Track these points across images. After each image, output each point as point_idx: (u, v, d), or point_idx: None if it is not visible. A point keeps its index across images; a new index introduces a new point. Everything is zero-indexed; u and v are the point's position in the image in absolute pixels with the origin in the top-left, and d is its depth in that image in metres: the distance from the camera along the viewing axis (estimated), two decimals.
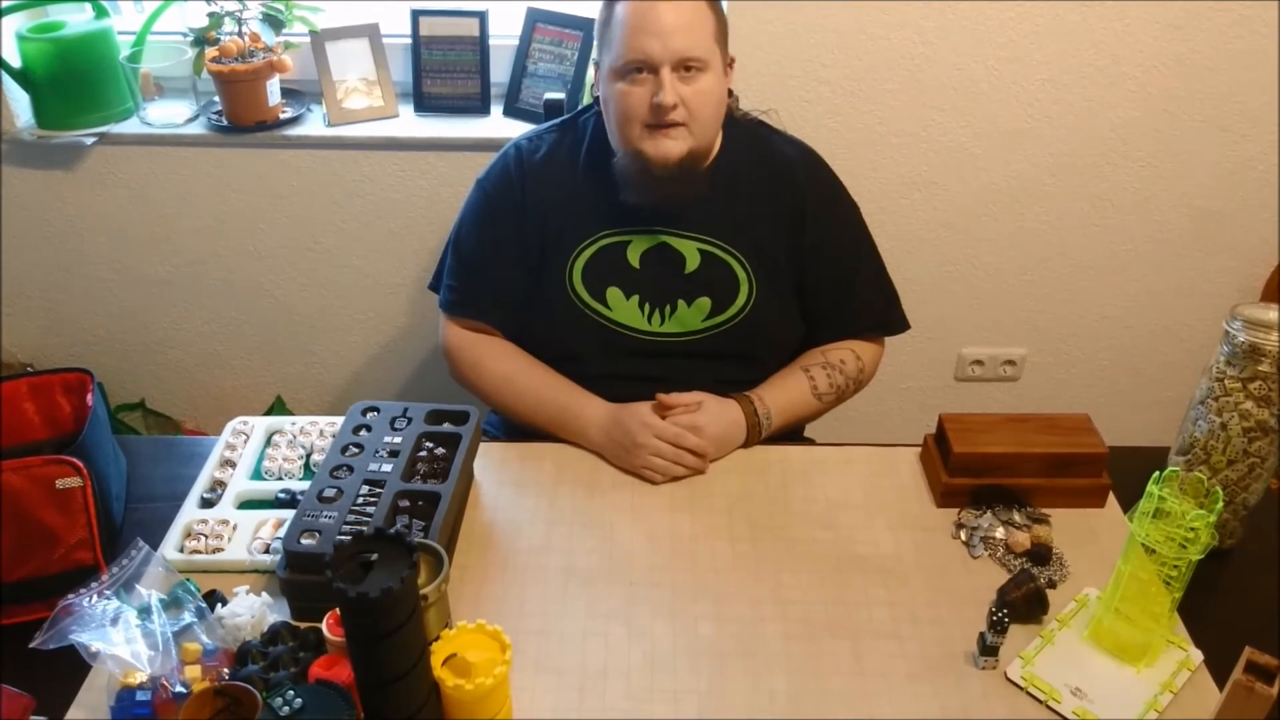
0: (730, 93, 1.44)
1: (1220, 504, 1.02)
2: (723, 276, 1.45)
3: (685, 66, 1.31)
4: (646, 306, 1.44)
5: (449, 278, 1.51)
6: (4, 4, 1.91)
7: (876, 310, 1.54)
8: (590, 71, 1.44)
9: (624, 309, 1.44)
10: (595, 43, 1.38)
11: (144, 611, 1.05)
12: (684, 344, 1.46)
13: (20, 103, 1.97)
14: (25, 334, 2.22)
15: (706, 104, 1.34)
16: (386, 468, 1.21)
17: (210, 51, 1.92)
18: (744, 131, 1.42)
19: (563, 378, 1.44)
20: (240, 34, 1.93)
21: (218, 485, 1.30)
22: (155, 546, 1.17)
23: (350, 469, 1.21)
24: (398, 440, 1.26)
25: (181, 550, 1.20)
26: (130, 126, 1.99)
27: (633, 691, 1.06)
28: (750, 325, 1.45)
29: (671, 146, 1.34)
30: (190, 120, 1.99)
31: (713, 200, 1.42)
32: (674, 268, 1.44)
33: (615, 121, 1.36)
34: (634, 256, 1.44)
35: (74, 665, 1.01)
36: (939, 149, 2.01)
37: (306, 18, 1.98)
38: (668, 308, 1.45)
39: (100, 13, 1.96)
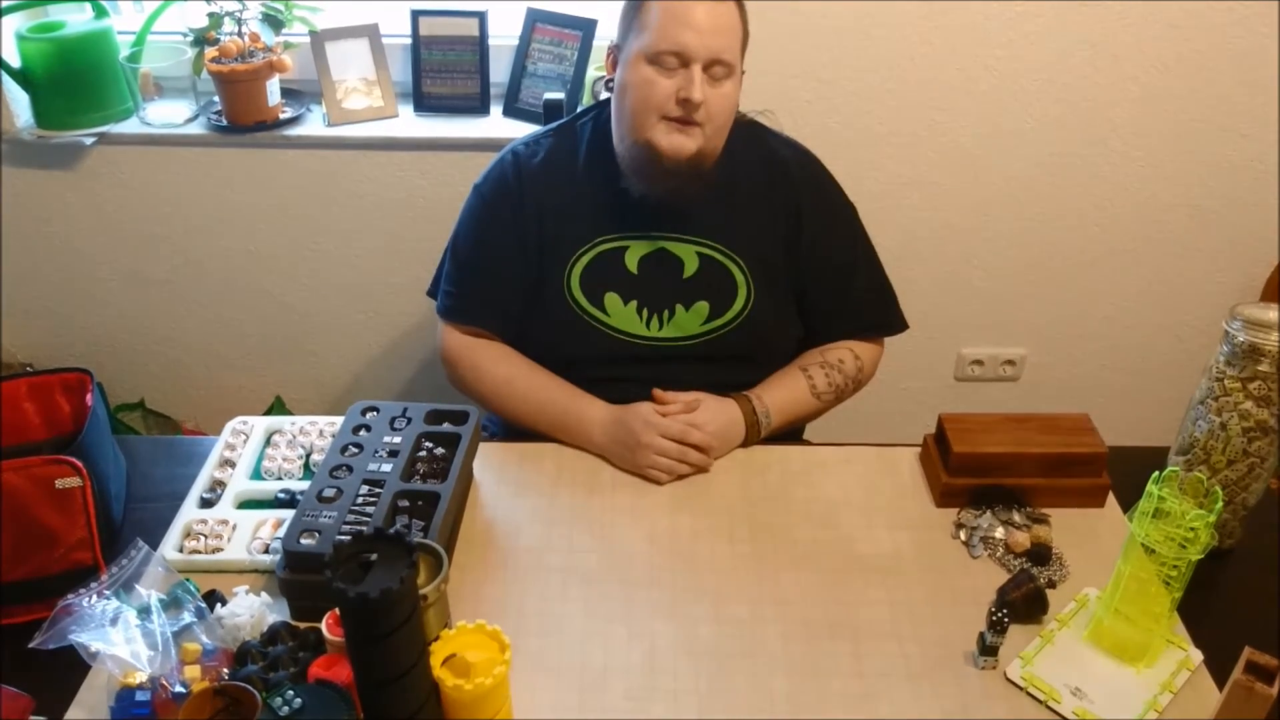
0: None
1: (1220, 504, 1.02)
2: (721, 280, 1.44)
3: (714, 69, 1.30)
4: (644, 312, 1.44)
5: (447, 284, 1.50)
6: (4, 4, 1.92)
7: (874, 310, 1.54)
8: (604, 59, 1.41)
9: (622, 314, 1.44)
10: (620, 26, 1.36)
11: (143, 611, 1.05)
12: (682, 348, 1.45)
13: (20, 103, 1.97)
14: (25, 334, 2.22)
15: (725, 109, 1.34)
16: (386, 468, 1.21)
17: (210, 51, 1.92)
18: (740, 133, 1.42)
19: (562, 381, 1.43)
20: (240, 34, 1.93)
21: (217, 485, 1.30)
22: (155, 546, 1.17)
23: (350, 469, 1.21)
24: (397, 440, 1.26)
25: (181, 550, 1.20)
26: (130, 126, 1.99)
27: (633, 691, 1.06)
28: (748, 328, 1.45)
29: (685, 143, 1.33)
30: (190, 120, 1.99)
31: (711, 203, 1.42)
32: (672, 272, 1.44)
33: (631, 107, 1.34)
34: (632, 262, 1.44)
35: (74, 665, 1.00)
36: (939, 149, 2.01)
37: (306, 18, 1.98)
38: (666, 313, 1.44)
39: (100, 13, 1.96)
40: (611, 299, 1.43)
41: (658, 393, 1.39)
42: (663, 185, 1.36)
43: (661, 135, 1.33)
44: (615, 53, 1.39)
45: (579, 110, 1.51)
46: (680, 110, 1.31)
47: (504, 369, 1.46)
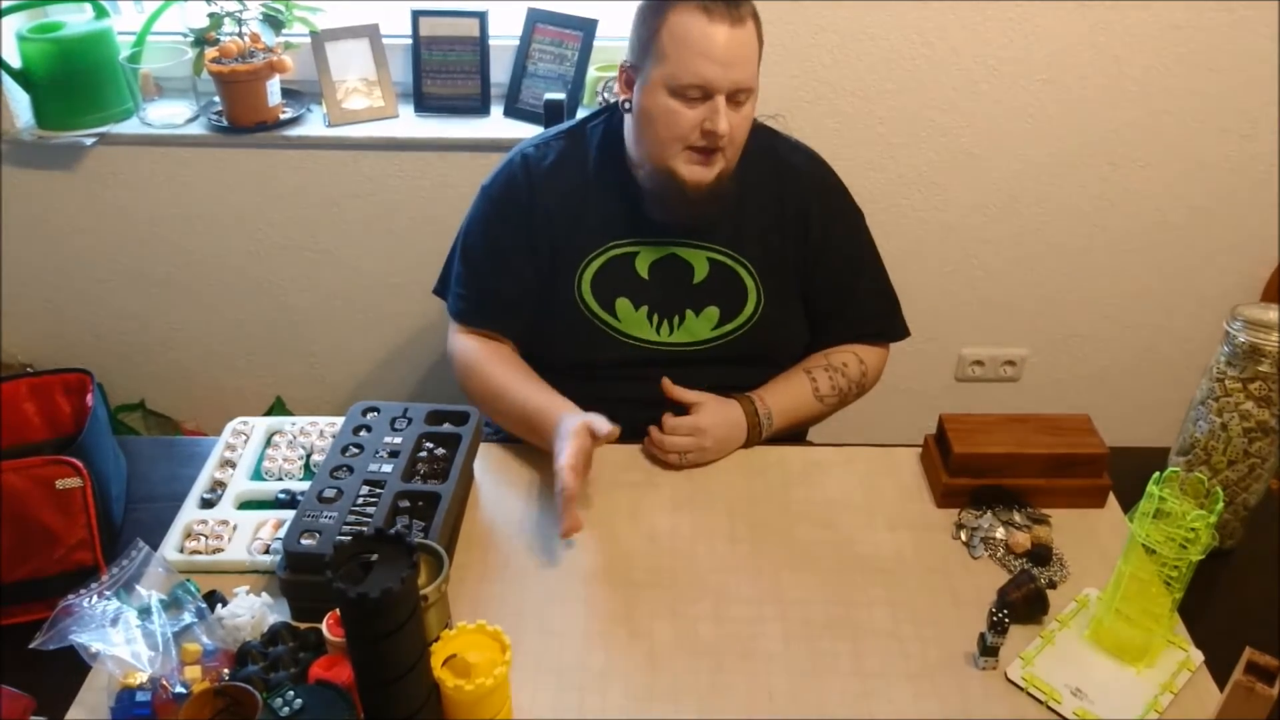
0: None
1: (1220, 504, 1.02)
2: (731, 286, 1.44)
3: (737, 95, 1.30)
4: (655, 317, 1.44)
5: (459, 286, 1.49)
6: (4, 4, 1.92)
7: (878, 316, 1.53)
8: (617, 78, 1.40)
9: (632, 320, 1.44)
10: (635, 46, 1.33)
11: (144, 612, 1.05)
12: (692, 353, 1.45)
13: (20, 103, 1.97)
14: (25, 334, 2.22)
15: (744, 130, 1.34)
16: (386, 468, 1.21)
17: (210, 52, 1.92)
18: (751, 138, 1.41)
19: (543, 385, 1.40)
20: (240, 34, 1.93)
21: (218, 486, 1.30)
22: (155, 547, 1.17)
23: (350, 469, 1.21)
24: (398, 441, 1.26)
25: (181, 551, 1.20)
26: (130, 127, 1.99)
27: (633, 691, 1.06)
28: (758, 334, 1.45)
29: (706, 173, 1.33)
30: (190, 120, 2.00)
31: (723, 209, 1.42)
32: (683, 278, 1.44)
33: (652, 136, 1.33)
34: (643, 267, 1.43)
35: (74, 666, 1.01)
36: (939, 149, 2.01)
37: (306, 18, 1.98)
38: (676, 318, 1.44)
39: (100, 13, 1.96)
40: (623, 304, 1.43)
41: (667, 383, 1.39)
42: (684, 212, 1.37)
43: (683, 165, 1.33)
44: (630, 72, 1.35)
45: (587, 113, 1.50)
46: (704, 141, 1.31)
47: (495, 371, 1.42)
